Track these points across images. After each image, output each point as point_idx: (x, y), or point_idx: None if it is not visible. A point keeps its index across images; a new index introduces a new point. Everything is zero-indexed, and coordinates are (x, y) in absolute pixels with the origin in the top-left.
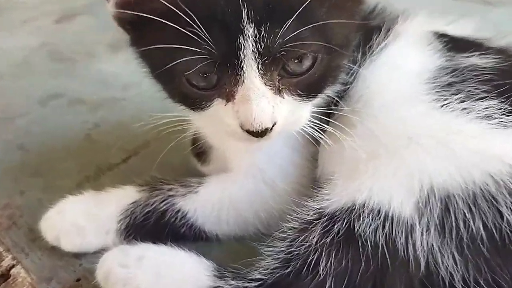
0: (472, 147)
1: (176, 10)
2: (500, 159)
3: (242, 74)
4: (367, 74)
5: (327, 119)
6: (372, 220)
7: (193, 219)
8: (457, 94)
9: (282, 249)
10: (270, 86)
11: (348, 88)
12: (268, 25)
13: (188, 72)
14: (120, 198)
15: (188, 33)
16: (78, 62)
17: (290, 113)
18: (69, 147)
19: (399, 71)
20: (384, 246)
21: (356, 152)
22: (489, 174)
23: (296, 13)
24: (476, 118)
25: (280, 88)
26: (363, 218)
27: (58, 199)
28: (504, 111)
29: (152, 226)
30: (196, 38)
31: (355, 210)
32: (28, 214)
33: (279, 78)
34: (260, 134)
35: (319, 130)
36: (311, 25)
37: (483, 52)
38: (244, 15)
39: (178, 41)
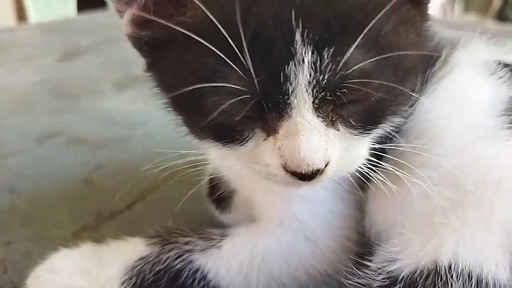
0: None
1: (212, 24)
2: None
3: (289, 110)
4: (429, 104)
5: (378, 158)
6: (462, 286)
7: (214, 281)
8: None
9: None
10: (323, 118)
11: (405, 121)
12: (331, 50)
13: (217, 107)
14: (125, 253)
15: (223, 57)
16: (80, 100)
17: (346, 151)
18: (66, 191)
19: (467, 102)
20: None
21: (429, 199)
22: None
23: (363, 34)
24: None
25: (333, 119)
26: (450, 284)
27: (50, 252)
28: None
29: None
30: (232, 65)
31: (439, 273)
32: (13, 270)
33: (333, 107)
34: (309, 176)
35: (376, 171)
36: (378, 55)
37: None
38: (297, 35)
39: (206, 69)
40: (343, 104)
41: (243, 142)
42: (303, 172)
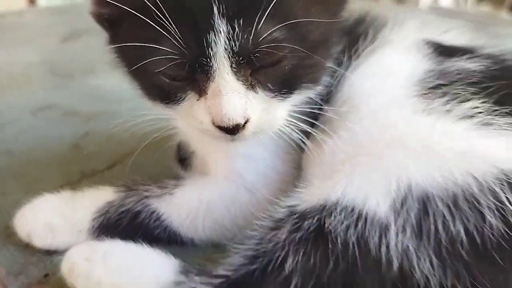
0: (455, 147)
1: (149, 4)
2: (484, 160)
3: (213, 72)
4: (354, 77)
5: (312, 121)
6: (344, 218)
7: (167, 222)
8: (443, 97)
9: (250, 246)
10: (242, 81)
11: (333, 91)
12: (241, 23)
13: (158, 70)
14: (96, 198)
15: (160, 30)
16: (76, 78)
17: (265, 111)
18: (56, 154)
19: (387, 75)
20: (355, 245)
21: (335, 154)
22: (472, 175)
23: (270, 8)
24: (461, 119)
25: (252, 83)
26: (334, 215)
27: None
28: (491, 111)
29: (126, 226)
30: (167, 35)
31: (327, 207)
32: (6, 214)
33: (251, 72)
34: (232, 130)
35: (299, 133)
36: (285, 23)
37: (472, 56)
38: (215, 11)
39: (149, 39)
40: (259, 70)
41: (179, 102)
42: (225, 126)
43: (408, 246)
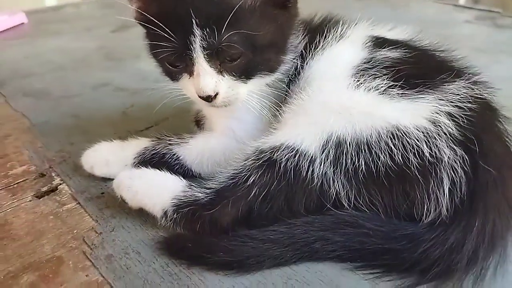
0: (363, 110)
1: (156, 21)
2: (382, 118)
3: (194, 60)
4: (313, 64)
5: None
6: (287, 152)
7: (183, 161)
8: (365, 76)
9: (230, 170)
10: (214, 68)
11: (300, 75)
12: (208, 30)
13: (164, 59)
14: (137, 144)
15: (165, 35)
16: (125, 61)
17: (230, 88)
18: (110, 118)
19: (334, 60)
20: (292, 170)
21: (288, 114)
22: (372, 127)
23: (226, 23)
24: (372, 91)
25: (221, 70)
26: (280, 151)
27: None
28: (392, 86)
29: (156, 163)
30: (168, 38)
31: (277, 146)
32: (75, 156)
33: (220, 63)
34: (207, 99)
35: (259, 103)
36: (236, 31)
37: (395, 47)
38: (194, 22)
39: (159, 40)
40: (225, 63)
41: (179, 80)
42: (202, 96)
43: (327, 172)
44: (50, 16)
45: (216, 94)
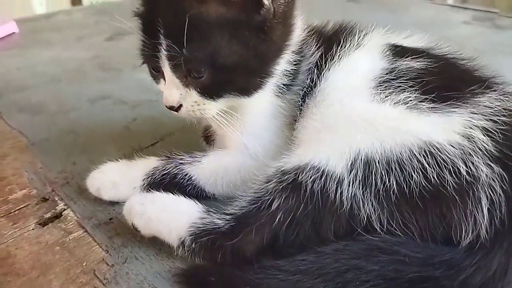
0: (391, 126)
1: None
2: (410, 133)
3: (164, 69)
4: (330, 76)
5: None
6: (312, 174)
7: (196, 181)
8: (389, 88)
9: (250, 194)
10: (180, 80)
11: (316, 87)
12: (172, 41)
13: (145, 60)
14: (145, 164)
15: (144, 44)
16: (122, 72)
17: (196, 103)
18: (112, 134)
19: (351, 71)
20: (319, 192)
21: (310, 131)
22: (402, 145)
23: (185, 37)
24: (398, 104)
25: (187, 84)
26: (305, 172)
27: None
28: (419, 100)
29: (166, 185)
30: (147, 47)
31: (301, 167)
32: (78, 177)
33: (186, 76)
34: (171, 108)
35: (224, 122)
36: (198, 47)
37: (417, 56)
38: (161, 35)
39: (141, 41)
40: (192, 78)
41: (158, 84)
42: (165, 104)
43: (356, 194)
44: (41, 25)
45: (180, 106)
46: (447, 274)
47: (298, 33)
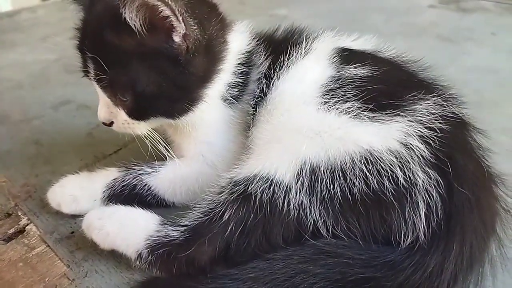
0: (335, 135)
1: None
2: (354, 143)
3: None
4: (279, 84)
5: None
6: (261, 184)
7: (155, 191)
8: (335, 98)
9: (203, 205)
10: (111, 99)
11: (267, 96)
12: (95, 64)
13: None
14: (105, 176)
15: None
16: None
17: (126, 122)
18: (74, 142)
19: (300, 80)
20: (268, 202)
21: (259, 141)
22: (345, 153)
23: (105, 63)
24: (342, 114)
25: (117, 104)
26: (255, 182)
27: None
28: (361, 109)
29: (126, 195)
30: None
31: (250, 177)
32: (40, 190)
33: (114, 96)
34: (104, 124)
35: (156, 143)
36: (116, 73)
37: (362, 64)
38: (88, 58)
39: None
40: (120, 100)
41: None
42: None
43: (303, 202)
44: (5, 24)
45: (112, 123)
46: (388, 274)
47: (234, 54)
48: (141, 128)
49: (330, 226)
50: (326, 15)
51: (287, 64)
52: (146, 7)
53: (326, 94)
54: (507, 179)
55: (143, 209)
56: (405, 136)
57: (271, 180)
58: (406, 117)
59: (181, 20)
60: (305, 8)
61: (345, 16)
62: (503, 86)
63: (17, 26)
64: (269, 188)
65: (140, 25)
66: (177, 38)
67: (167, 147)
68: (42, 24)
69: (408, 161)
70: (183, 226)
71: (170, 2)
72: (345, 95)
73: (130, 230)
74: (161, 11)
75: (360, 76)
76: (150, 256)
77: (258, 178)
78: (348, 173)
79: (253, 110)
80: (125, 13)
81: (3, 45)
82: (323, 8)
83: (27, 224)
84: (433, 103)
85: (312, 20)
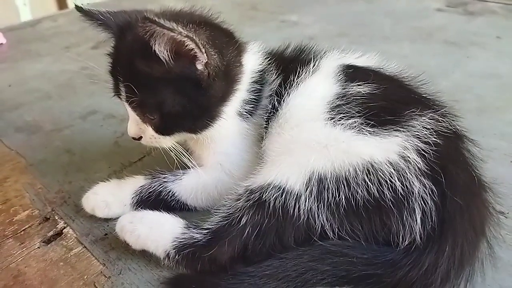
0: (340, 148)
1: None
2: (358, 155)
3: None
4: (290, 100)
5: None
6: (274, 192)
7: (179, 197)
8: (340, 114)
9: (223, 210)
10: (140, 117)
11: (278, 111)
12: (127, 89)
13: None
14: (133, 183)
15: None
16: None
17: (153, 137)
18: (103, 150)
19: (309, 97)
20: (281, 208)
21: (273, 153)
22: (349, 164)
23: (136, 88)
24: (347, 129)
25: (145, 121)
26: (268, 191)
27: (94, 185)
28: (364, 125)
29: (153, 201)
30: (113, 83)
31: (264, 186)
32: (74, 196)
33: (143, 115)
34: (133, 138)
35: (180, 154)
36: (146, 96)
37: (365, 81)
38: (120, 82)
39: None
40: (146, 115)
41: None
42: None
43: (311, 208)
44: (28, 34)
45: (141, 137)
46: (388, 271)
47: (248, 74)
48: (167, 142)
49: (336, 229)
50: (335, 20)
51: (297, 81)
52: (173, 41)
53: (332, 110)
54: (502, 183)
55: (168, 213)
56: (403, 150)
57: (283, 189)
58: (404, 132)
59: (204, 52)
60: (314, 13)
61: (353, 20)
62: (505, 91)
63: (40, 35)
64: (281, 196)
65: (168, 56)
66: (199, 66)
67: (189, 157)
68: (64, 33)
69: (405, 172)
70: (205, 229)
71: (194, 37)
72: (349, 111)
73: (158, 232)
74: (187, 45)
75: (363, 93)
76: (177, 256)
77: (271, 186)
78: (352, 182)
79: (265, 124)
80: (154, 45)
81: (29, 55)
82: (331, 13)
83: (64, 227)
84: (429, 118)
85: (321, 25)
